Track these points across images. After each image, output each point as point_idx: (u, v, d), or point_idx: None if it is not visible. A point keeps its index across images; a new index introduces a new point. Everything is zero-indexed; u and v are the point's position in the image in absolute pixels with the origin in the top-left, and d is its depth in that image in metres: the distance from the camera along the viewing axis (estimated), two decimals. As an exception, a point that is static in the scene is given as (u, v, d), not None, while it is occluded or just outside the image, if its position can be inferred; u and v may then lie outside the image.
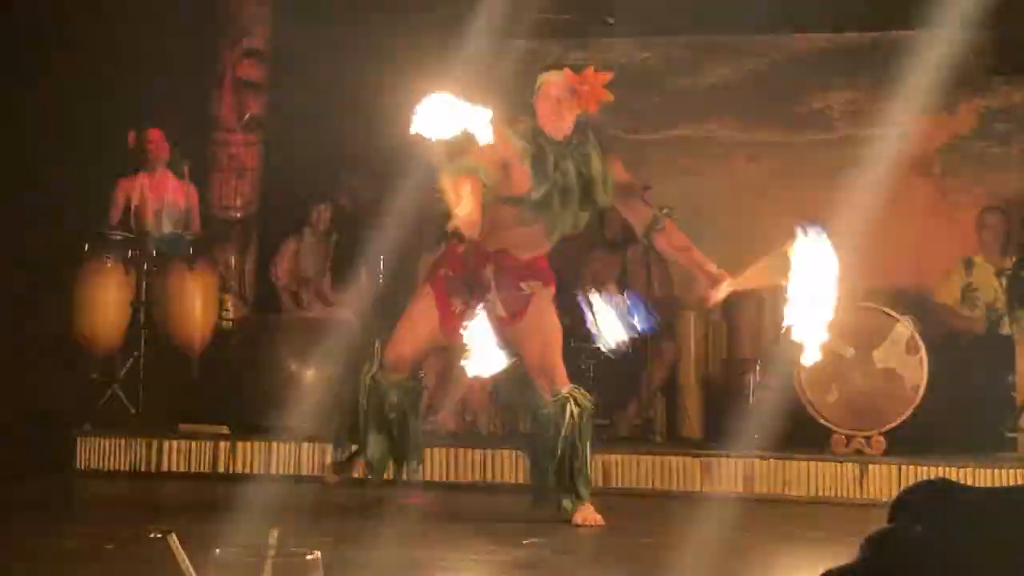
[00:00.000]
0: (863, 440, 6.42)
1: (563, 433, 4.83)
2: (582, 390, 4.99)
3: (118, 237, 7.04)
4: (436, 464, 6.41)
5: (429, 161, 4.75)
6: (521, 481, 6.00)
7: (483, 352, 4.73)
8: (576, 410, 4.86)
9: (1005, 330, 6.97)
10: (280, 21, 7.84)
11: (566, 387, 4.90)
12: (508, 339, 4.92)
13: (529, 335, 4.88)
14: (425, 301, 4.92)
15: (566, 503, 4.87)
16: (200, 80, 7.80)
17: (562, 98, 4.82)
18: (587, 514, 4.85)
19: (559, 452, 4.84)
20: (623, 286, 7.54)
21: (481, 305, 4.83)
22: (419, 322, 4.93)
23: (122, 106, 7.21)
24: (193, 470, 6.47)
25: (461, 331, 4.82)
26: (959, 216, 7.78)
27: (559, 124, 4.84)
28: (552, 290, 4.96)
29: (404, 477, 5.08)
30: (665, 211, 7.69)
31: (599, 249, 7.76)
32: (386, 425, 4.98)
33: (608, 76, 4.85)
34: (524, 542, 4.47)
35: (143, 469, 6.51)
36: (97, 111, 7.07)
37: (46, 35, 7.05)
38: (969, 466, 6.08)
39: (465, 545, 4.44)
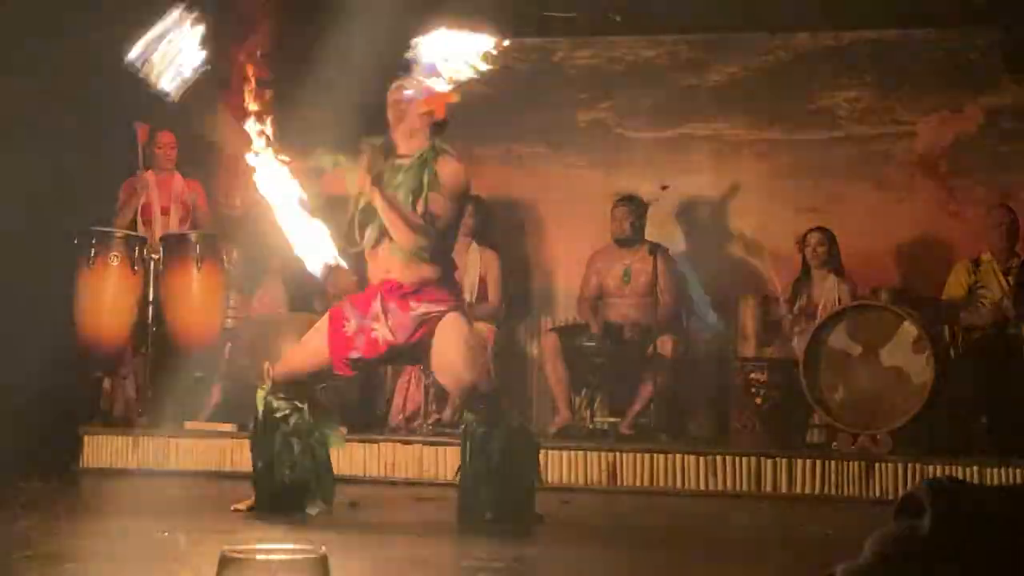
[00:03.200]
0: (869, 439, 6.42)
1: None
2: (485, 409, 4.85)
3: (124, 235, 7.04)
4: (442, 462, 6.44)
5: None
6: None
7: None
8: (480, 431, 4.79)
9: (1012, 328, 6.96)
10: (286, 20, 7.84)
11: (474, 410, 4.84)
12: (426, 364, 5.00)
13: (437, 359, 4.81)
14: (321, 322, 4.92)
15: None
16: (206, 78, 7.79)
17: (408, 100, 4.77)
18: None
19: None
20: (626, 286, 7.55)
21: (372, 333, 4.78)
22: (309, 341, 4.93)
23: (128, 103, 7.21)
24: (199, 468, 6.48)
25: (350, 354, 4.79)
26: (966, 214, 7.77)
27: (406, 133, 4.82)
28: (457, 315, 4.82)
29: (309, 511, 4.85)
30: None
31: (604, 248, 7.75)
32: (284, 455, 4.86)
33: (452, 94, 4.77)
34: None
35: (150, 467, 6.52)
36: (103, 107, 7.07)
37: (51, 31, 7.05)
38: (976, 465, 6.08)
39: (469, 542, 4.45)
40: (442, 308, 4.78)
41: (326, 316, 4.92)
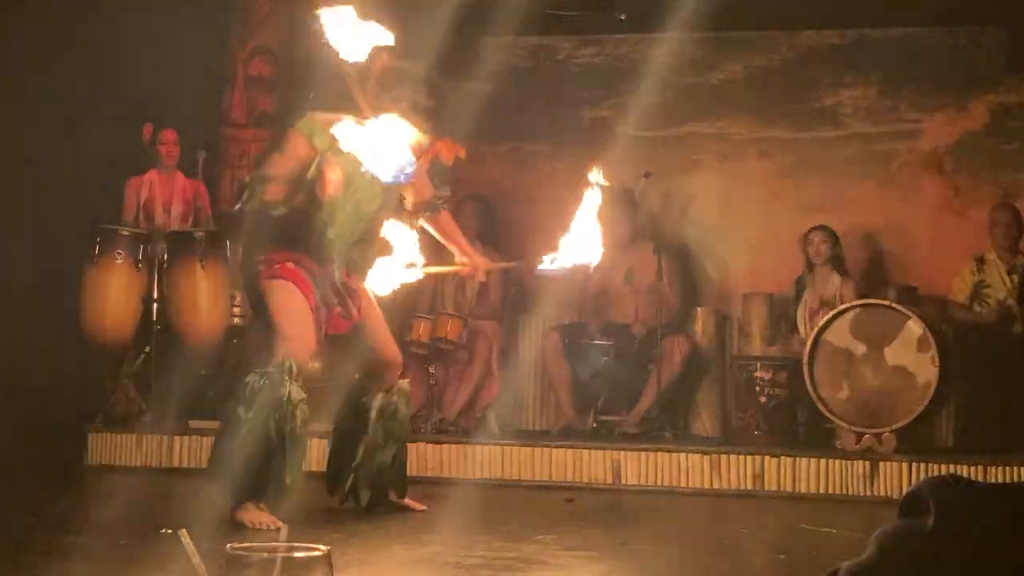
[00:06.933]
0: (874, 437, 6.41)
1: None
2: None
3: (129, 233, 7.04)
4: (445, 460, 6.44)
5: None
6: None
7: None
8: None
9: (1016, 327, 6.95)
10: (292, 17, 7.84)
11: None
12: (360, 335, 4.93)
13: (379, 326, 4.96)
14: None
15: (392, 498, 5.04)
16: (211, 76, 7.81)
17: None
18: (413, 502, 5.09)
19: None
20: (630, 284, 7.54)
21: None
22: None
23: (133, 101, 7.22)
24: (203, 466, 6.47)
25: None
26: (971, 213, 7.76)
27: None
28: None
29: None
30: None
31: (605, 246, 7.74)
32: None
33: (461, 150, 4.79)
34: (536, 537, 4.48)
35: (154, 465, 6.52)
36: (108, 106, 7.07)
37: (57, 29, 7.06)
38: (980, 463, 6.07)
39: (473, 541, 4.44)
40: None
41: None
